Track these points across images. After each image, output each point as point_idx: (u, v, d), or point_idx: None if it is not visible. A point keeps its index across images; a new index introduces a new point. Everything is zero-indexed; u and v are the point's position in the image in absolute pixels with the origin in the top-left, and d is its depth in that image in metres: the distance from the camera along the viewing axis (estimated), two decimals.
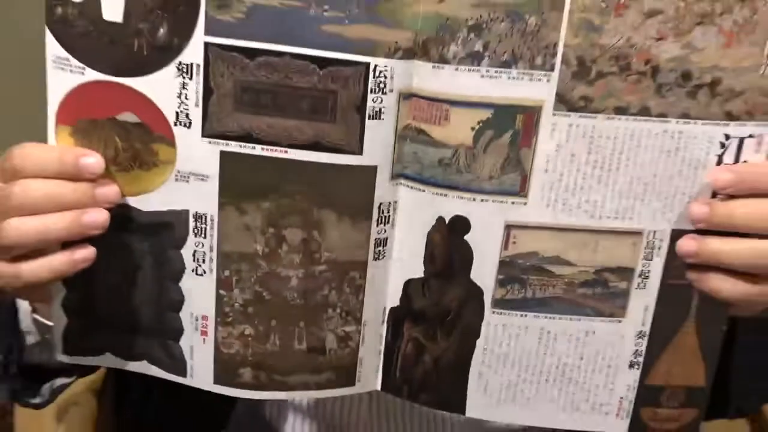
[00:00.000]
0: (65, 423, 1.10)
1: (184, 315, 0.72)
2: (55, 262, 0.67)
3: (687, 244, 0.66)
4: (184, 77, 0.63)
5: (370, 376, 0.75)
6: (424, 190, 0.66)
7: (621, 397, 0.74)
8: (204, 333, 0.72)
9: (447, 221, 0.67)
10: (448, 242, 0.67)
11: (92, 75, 0.64)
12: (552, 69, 0.61)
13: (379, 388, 0.76)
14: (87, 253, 0.67)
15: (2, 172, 0.66)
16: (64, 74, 0.64)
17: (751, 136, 0.64)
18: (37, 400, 0.88)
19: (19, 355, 0.84)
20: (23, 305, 0.81)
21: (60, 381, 0.87)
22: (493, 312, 0.69)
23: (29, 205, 0.64)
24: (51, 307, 0.73)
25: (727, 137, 0.64)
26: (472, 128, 0.63)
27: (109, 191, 0.66)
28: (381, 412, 0.95)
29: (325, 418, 0.96)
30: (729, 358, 0.80)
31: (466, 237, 0.67)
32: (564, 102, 0.62)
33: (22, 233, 0.65)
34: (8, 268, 0.67)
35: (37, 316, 0.80)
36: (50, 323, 0.76)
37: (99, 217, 0.66)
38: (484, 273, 0.68)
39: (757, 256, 0.65)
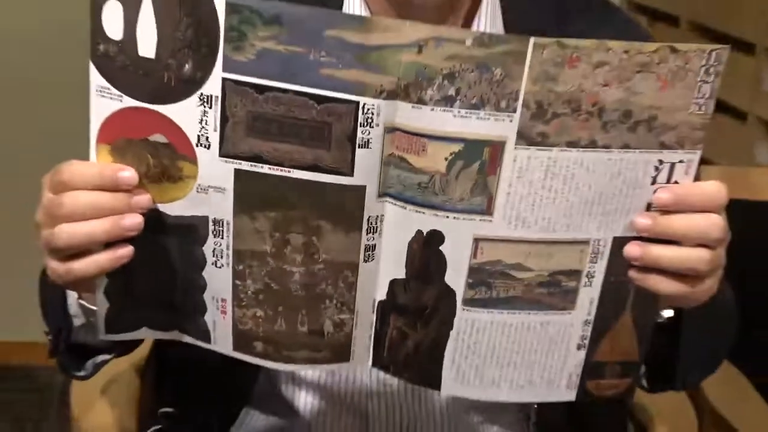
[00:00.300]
0: (113, 397, 1.25)
1: (207, 296, 0.83)
2: (100, 259, 0.77)
3: (633, 250, 0.77)
4: (204, 106, 0.73)
5: (363, 354, 0.86)
6: (405, 208, 0.77)
7: (570, 373, 0.85)
8: (223, 312, 0.83)
9: (425, 234, 0.77)
10: (425, 251, 0.78)
11: (128, 102, 0.74)
12: (514, 111, 0.71)
13: (370, 365, 0.86)
14: (126, 251, 0.77)
15: (53, 185, 0.76)
16: (104, 101, 0.74)
17: (681, 161, 0.74)
18: (81, 373, 1.01)
19: (67, 335, 0.95)
20: (71, 293, 0.91)
21: (101, 357, 1.00)
22: (464, 309, 0.80)
23: (77, 213, 0.75)
24: (95, 295, 0.83)
25: (661, 162, 0.74)
26: (446, 158, 0.73)
27: (142, 200, 0.76)
28: (380, 384, 1.06)
29: (332, 391, 1.07)
30: (676, 342, 0.93)
31: (441, 248, 0.77)
32: (524, 138, 0.72)
33: (72, 236, 0.75)
34: (61, 266, 0.78)
35: (83, 302, 0.91)
36: (94, 308, 0.86)
37: (134, 220, 0.76)
38: (456, 277, 0.79)
39: (690, 261, 0.76)
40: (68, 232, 0.75)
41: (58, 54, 2.26)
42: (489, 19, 1.01)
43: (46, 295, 0.98)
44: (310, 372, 1.06)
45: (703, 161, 0.76)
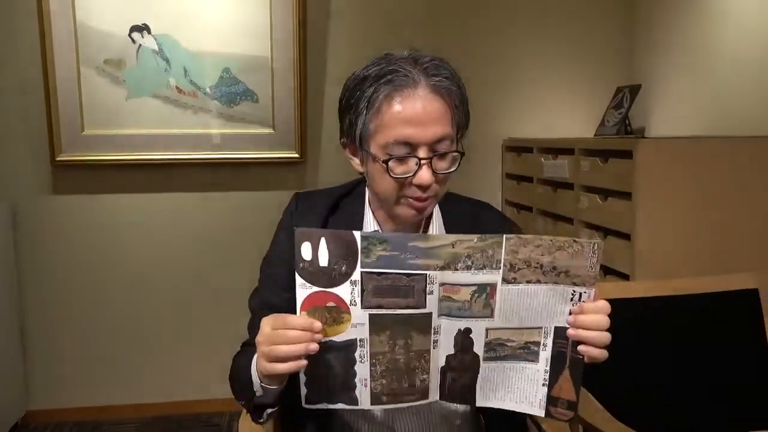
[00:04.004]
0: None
1: (357, 379, 1.50)
2: (291, 365, 1.44)
3: (571, 332, 1.48)
4: (353, 285, 1.45)
5: (434, 394, 1.55)
6: (451, 319, 1.48)
7: (540, 399, 1.54)
8: (365, 386, 1.51)
9: (462, 330, 1.49)
10: (463, 338, 1.49)
11: (315, 289, 1.44)
12: (499, 268, 1.45)
13: (438, 398, 1.56)
14: (304, 362, 1.44)
15: (276, 324, 1.44)
16: (303, 290, 1.45)
17: (584, 292, 1.48)
18: (261, 421, 1.69)
19: (252, 399, 1.64)
20: (255, 378, 1.59)
21: (270, 410, 1.67)
22: (483, 363, 1.52)
23: (290, 340, 1.42)
24: (280, 386, 1.55)
25: (574, 292, 1.48)
26: (470, 294, 1.46)
27: (320, 336, 1.45)
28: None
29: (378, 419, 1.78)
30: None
31: (470, 335, 1.49)
32: (505, 281, 1.46)
33: (286, 352, 1.42)
34: (270, 366, 1.44)
35: (264, 384, 1.57)
36: (270, 387, 1.56)
37: (315, 346, 1.44)
38: (479, 348, 1.51)
39: (597, 337, 1.48)
40: (284, 349, 1.43)
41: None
42: (438, 222, 1.78)
43: (239, 380, 1.65)
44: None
45: None
